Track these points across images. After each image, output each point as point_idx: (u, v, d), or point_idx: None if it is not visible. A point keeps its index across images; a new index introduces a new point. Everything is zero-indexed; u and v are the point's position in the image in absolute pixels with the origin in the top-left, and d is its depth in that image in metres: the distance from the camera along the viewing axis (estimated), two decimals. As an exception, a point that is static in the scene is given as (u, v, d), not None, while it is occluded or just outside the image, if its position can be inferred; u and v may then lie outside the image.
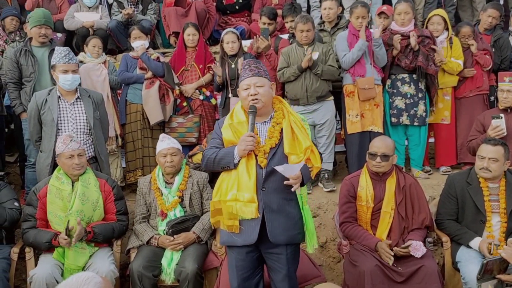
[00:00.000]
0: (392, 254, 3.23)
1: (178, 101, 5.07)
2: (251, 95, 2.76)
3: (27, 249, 3.55)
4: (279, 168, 2.65)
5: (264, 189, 2.74)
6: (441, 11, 5.14)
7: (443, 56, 4.79)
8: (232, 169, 2.76)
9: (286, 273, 2.84)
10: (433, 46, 4.72)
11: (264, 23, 5.21)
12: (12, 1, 6.44)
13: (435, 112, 5.01)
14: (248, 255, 2.84)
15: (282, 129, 2.80)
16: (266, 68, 2.92)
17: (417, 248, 3.20)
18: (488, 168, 3.33)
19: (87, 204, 3.50)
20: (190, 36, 5.06)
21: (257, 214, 2.70)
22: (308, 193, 4.55)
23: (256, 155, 2.75)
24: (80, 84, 4.09)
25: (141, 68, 4.96)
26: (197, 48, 5.10)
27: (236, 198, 2.69)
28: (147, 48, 5.04)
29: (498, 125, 4.00)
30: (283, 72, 4.64)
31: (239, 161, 2.75)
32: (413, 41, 4.64)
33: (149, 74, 4.91)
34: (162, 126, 5.02)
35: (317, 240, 2.96)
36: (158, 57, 4.96)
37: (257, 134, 2.79)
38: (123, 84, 5.03)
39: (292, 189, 2.69)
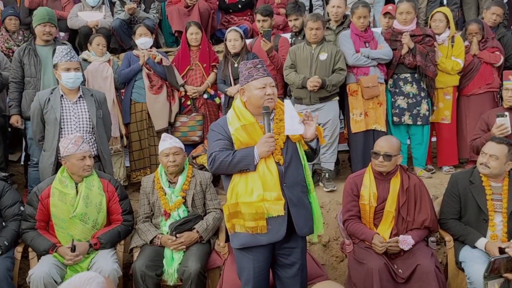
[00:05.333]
0: (383, 245, 3.28)
1: (183, 99, 5.07)
2: (268, 94, 2.78)
3: (30, 249, 3.55)
4: (287, 119, 2.74)
5: (285, 184, 2.77)
6: (444, 9, 5.10)
7: (439, 54, 4.77)
8: (252, 171, 2.73)
9: (300, 266, 2.87)
10: (434, 45, 4.69)
11: (259, 21, 5.15)
12: (21, 2, 6.44)
13: (436, 112, 4.99)
14: (265, 255, 2.84)
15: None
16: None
17: (404, 241, 3.25)
18: (487, 164, 3.32)
19: (90, 206, 3.50)
20: (193, 35, 5.04)
21: (283, 211, 2.72)
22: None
23: (272, 153, 2.76)
24: (84, 83, 4.08)
25: (147, 68, 4.93)
26: (200, 46, 5.09)
27: (264, 198, 2.69)
28: (151, 47, 5.01)
29: (502, 124, 3.98)
30: (288, 74, 4.62)
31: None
32: (404, 39, 4.65)
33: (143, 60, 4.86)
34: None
35: (322, 226, 3.00)
36: (161, 60, 4.90)
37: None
38: (126, 84, 4.99)
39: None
